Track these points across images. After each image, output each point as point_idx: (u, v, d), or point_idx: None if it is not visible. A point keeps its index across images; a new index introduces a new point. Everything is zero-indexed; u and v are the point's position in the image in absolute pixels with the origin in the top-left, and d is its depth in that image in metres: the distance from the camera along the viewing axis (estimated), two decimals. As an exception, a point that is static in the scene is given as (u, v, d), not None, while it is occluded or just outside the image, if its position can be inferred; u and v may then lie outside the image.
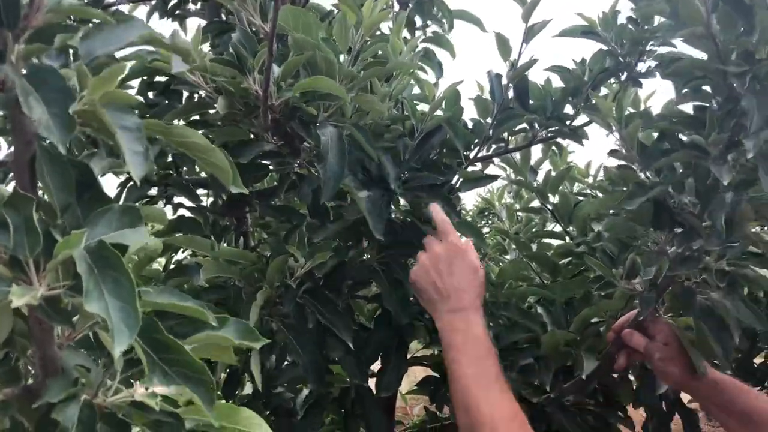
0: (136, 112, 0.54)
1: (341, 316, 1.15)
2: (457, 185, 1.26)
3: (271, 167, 1.14)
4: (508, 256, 1.68)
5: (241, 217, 1.45)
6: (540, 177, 1.49)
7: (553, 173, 1.49)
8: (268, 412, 1.42)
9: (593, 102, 0.98)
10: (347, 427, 1.25)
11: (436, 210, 1.08)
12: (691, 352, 1.02)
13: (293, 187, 1.25)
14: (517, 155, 1.43)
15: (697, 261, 0.97)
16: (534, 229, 1.61)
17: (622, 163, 0.97)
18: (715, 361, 1.04)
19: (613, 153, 0.94)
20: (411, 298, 1.22)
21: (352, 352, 1.18)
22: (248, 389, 1.47)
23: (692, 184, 0.98)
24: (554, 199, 1.47)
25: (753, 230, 0.98)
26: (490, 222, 2.38)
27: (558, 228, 1.57)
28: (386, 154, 1.12)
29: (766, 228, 1.02)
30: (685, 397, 1.31)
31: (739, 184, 0.89)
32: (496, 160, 1.38)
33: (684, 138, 0.90)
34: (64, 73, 0.48)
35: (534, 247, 1.50)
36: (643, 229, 0.99)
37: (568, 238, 1.51)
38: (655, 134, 0.96)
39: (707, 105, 0.88)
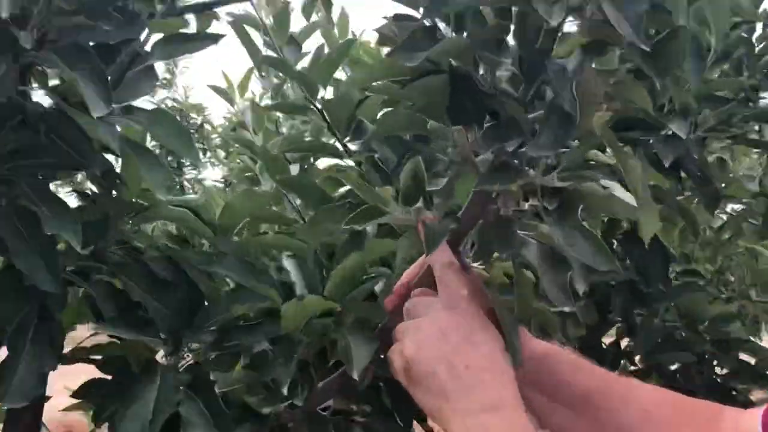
0: None
1: None
2: (148, 48, 0.72)
3: None
4: (263, 187, 1.16)
5: None
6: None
7: (327, 50, 0.98)
8: None
9: None
10: None
11: (430, 237, 0.61)
12: (503, 325, 0.65)
13: None
14: (269, 19, 0.91)
15: (516, 172, 0.60)
16: (298, 142, 1.11)
17: (402, 11, 0.56)
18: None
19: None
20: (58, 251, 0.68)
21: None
22: None
23: (515, 52, 0.60)
24: (327, 92, 0.99)
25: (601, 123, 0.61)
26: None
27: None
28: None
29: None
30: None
31: (581, 47, 0.53)
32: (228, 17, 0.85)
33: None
34: None
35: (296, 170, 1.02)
36: (438, 126, 0.59)
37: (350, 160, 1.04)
38: None
39: None
